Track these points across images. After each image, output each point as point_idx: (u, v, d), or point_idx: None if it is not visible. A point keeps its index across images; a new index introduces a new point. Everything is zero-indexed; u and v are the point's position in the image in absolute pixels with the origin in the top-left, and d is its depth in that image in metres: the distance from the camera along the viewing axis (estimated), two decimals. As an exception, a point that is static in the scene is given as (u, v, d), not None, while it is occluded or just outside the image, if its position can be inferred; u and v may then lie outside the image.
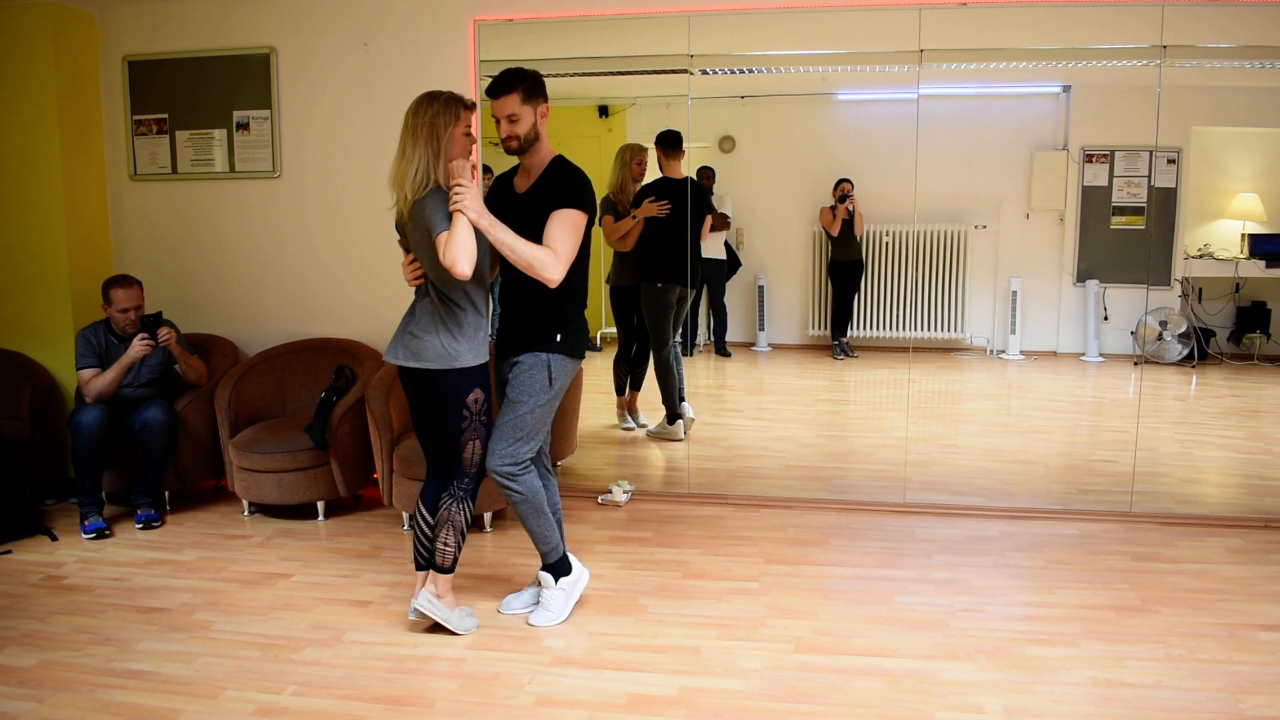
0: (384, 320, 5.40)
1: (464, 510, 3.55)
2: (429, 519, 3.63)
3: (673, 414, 5.92)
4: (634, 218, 5.54)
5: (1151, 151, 6.56)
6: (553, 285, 3.33)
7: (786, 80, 6.39)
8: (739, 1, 4.97)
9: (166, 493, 5.15)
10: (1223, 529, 4.68)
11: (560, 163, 3.51)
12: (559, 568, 3.73)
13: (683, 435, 5.96)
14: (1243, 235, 6.84)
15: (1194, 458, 5.84)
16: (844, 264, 6.84)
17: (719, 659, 3.41)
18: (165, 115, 5.60)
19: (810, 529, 4.73)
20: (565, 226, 3.35)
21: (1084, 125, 6.69)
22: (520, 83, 3.40)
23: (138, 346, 4.81)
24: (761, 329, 6.85)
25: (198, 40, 5.48)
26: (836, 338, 6.89)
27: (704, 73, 5.44)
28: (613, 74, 5.88)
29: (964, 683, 3.22)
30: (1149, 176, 6.64)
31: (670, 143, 5.64)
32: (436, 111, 3.34)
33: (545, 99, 3.47)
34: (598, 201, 3.57)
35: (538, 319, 3.51)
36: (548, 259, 3.29)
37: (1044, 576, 4.12)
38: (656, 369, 5.85)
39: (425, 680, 3.29)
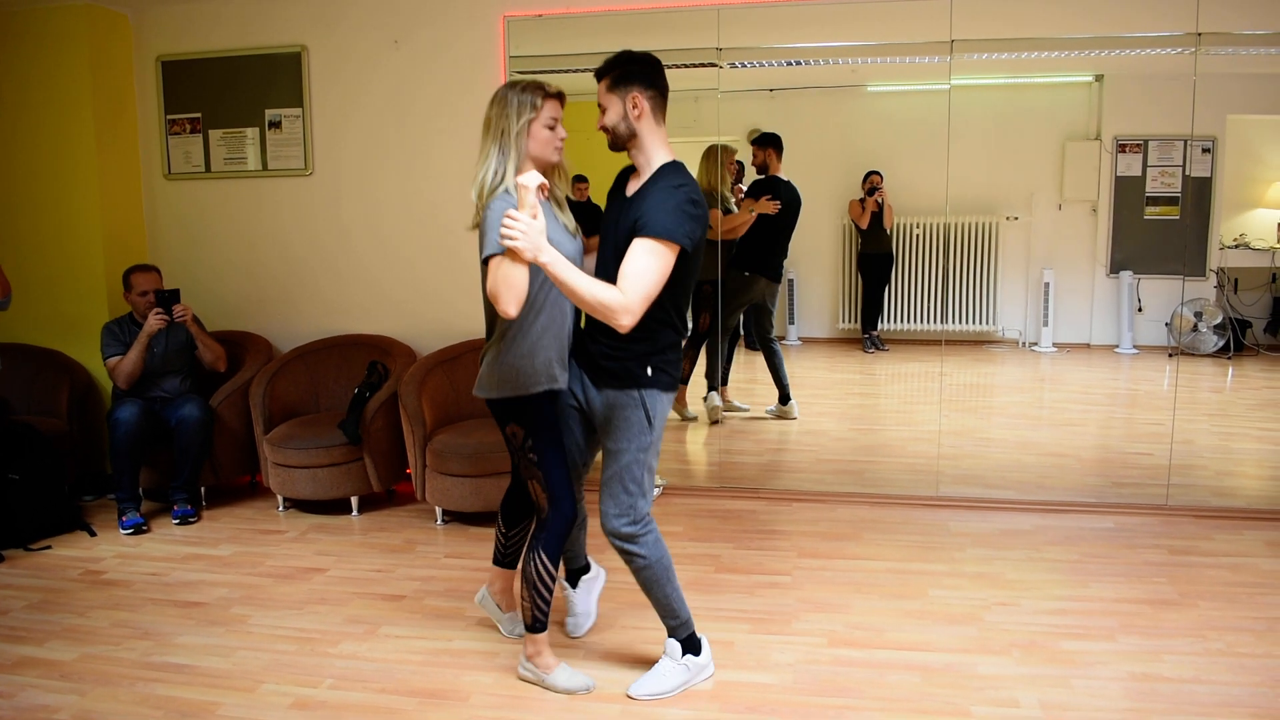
0: (416, 316, 5.46)
1: (534, 562, 3.10)
2: (501, 526, 3.50)
3: (786, 393, 6.09)
4: (751, 212, 5.79)
5: (1186, 141, 6.48)
6: (623, 330, 2.75)
7: (815, 73, 6.35)
8: (768, -6, 4.97)
9: (202, 489, 5.20)
10: (1260, 522, 4.62)
11: (665, 172, 2.91)
12: (691, 644, 3.21)
13: (797, 414, 6.13)
14: (1279, 225, 6.75)
15: (1230, 450, 5.77)
16: (874, 256, 6.81)
17: (752, 653, 3.41)
18: (198, 114, 5.65)
19: (843, 523, 4.72)
20: (646, 260, 2.76)
21: (1117, 115, 6.62)
22: (609, 69, 2.93)
23: (153, 320, 4.86)
24: (792, 323, 6.83)
25: (230, 40, 5.53)
26: (867, 331, 6.86)
27: (733, 66, 5.42)
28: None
29: (999, 677, 3.20)
30: (1183, 166, 6.57)
31: (779, 143, 5.86)
32: (509, 102, 2.90)
33: (642, 87, 2.89)
34: (705, 217, 2.95)
35: (626, 350, 2.98)
36: (616, 304, 2.69)
37: (1079, 570, 4.09)
38: (709, 348, 6.01)
39: (460, 674, 3.31)
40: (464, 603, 3.87)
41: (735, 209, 5.89)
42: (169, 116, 5.67)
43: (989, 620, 3.62)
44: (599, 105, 2.98)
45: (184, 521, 4.91)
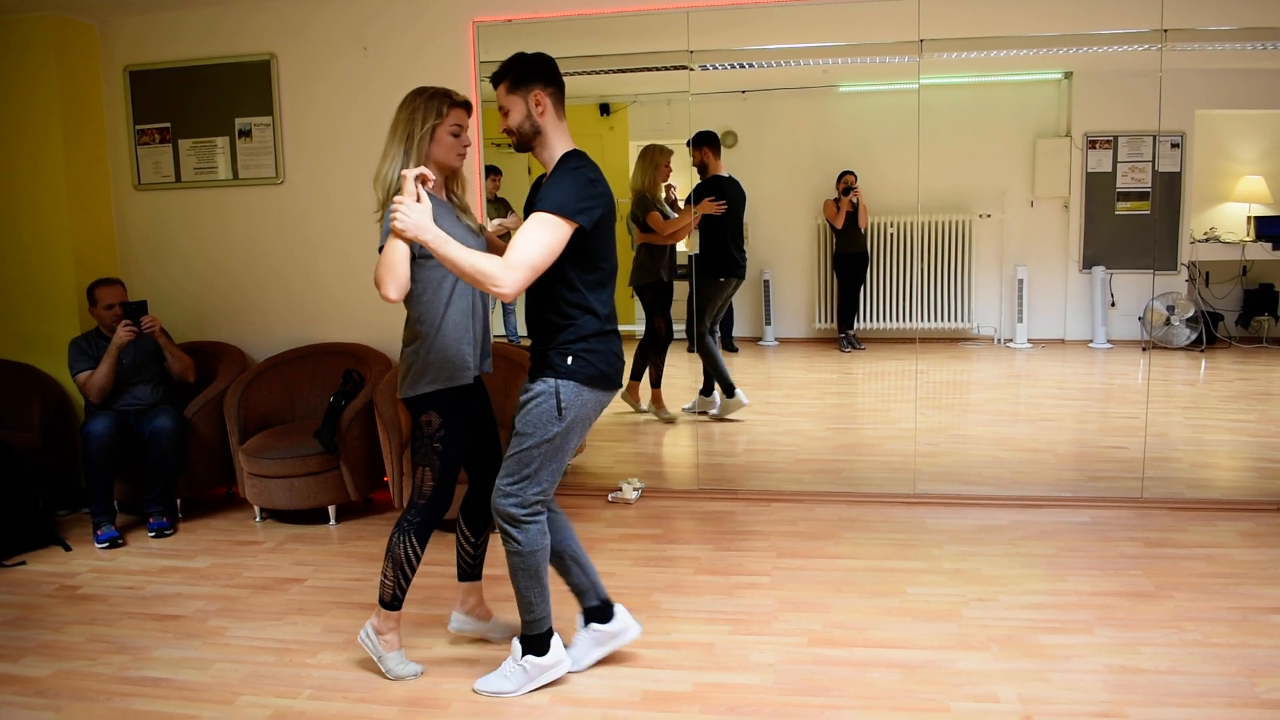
0: (391, 324, 5.41)
1: (404, 544, 3.24)
2: (466, 533, 3.49)
3: (729, 385, 6.07)
4: (694, 214, 5.72)
5: (1155, 136, 6.53)
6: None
7: (787, 74, 6.37)
8: (737, -4, 4.98)
9: (178, 500, 5.16)
10: (1235, 513, 4.66)
11: (566, 159, 3.00)
12: (536, 643, 3.19)
13: (746, 400, 6.13)
14: (1249, 218, 6.81)
15: (1204, 442, 5.82)
16: (849, 256, 6.83)
17: (732, 654, 3.41)
18: (167, 124, 5.61)
19: (821, 522, 4.73)
20: (530, 230, 2.83)
21: (1086, 111, 6.67)
22: (506, 72, 3.00)
23: (122, 332, 4.83)
24: (768, 323, 6.85)
25: (197, 48, 5.50)
26: (843, 330, 6.88)
27: (704, 68, 5.43)
28: (613, 72, 5.88)
29: (978, 672, 3.21)
30: (1153, 161, 6.62)
31: (716, 142, 5.82)
32: (417, 107, 3.07)
33: (542, 85, 2.97)
34: (616, 202, 3.07)
35: (545, 340, 3.04)
36: (493, 269, 2.76)
37: (1056, 564, 4.12)
38: (702, 352, 6.00)
39: (440, 681, 3.29)
40: (443, 610, 3.85)
41: (673, 213, 5.88)
42: (138, 127, 5.63)
43: (967, 616, 3.63)
44: (500, 109, 3.04)
45: (160, 534, 4.87)
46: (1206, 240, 6.81)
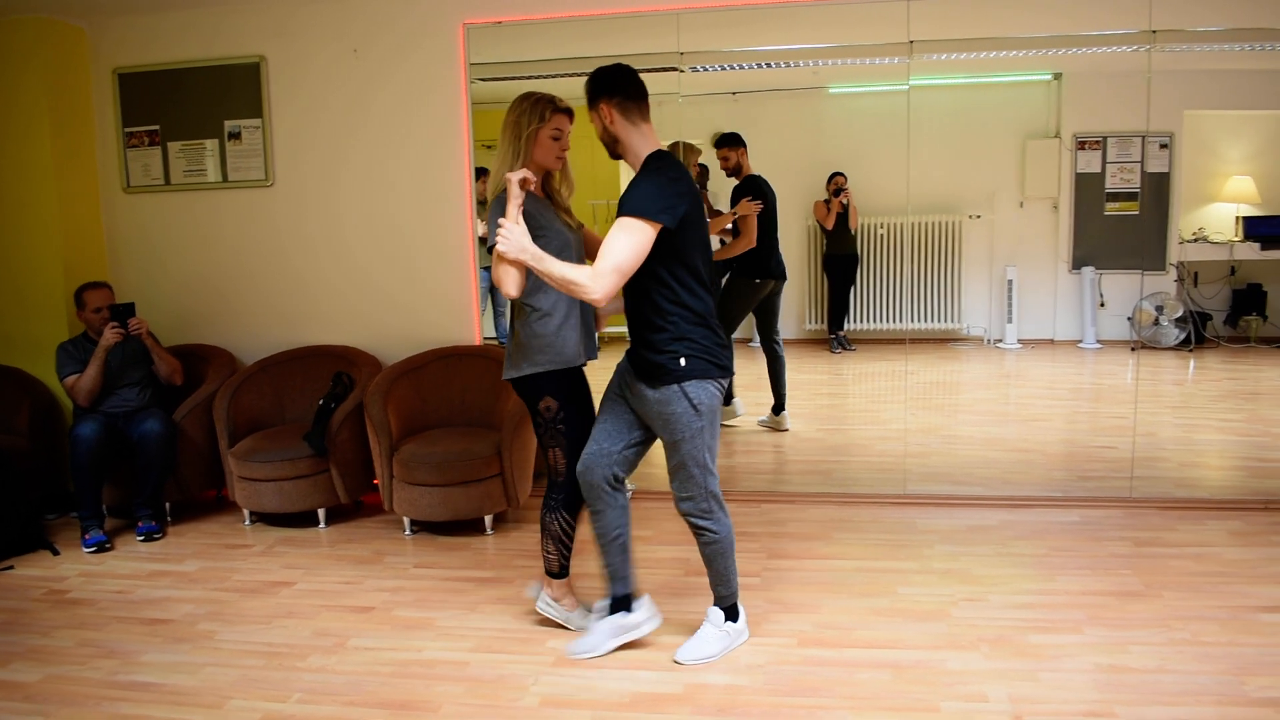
0: (380, 326, 5.44)
1: (557, 520, 3.52)
2: (567, 519, 3.59)
3: (782, 402, 6.04)
4: (734, 214, 5.71)
5: (1144, 137, 6.56)
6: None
7: (777, 75, 6.38)
8: (727, -2, 4.98)
9: (167, 504, 5.14)
10: (1223, 512, 4.68)
11: (648, 161, 3.16)
12: (733, 612, 3.47)
13: (741, 411, 6.14)
14: (1237, 218, 6.84)
15: (1193, 442, 5.84)
16: (839, 257, 6.84)
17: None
18: (156, 127, 5.59)
19: (811, 523, 4.74)
20: (614, 236, 2.98)
21: (1076, 112, 6.70)
22: (589, 90, 3.19)
23: (109, 334, 4.82)
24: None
25: (187, 51, 5.48)
26: (834, 331, 6.90)
27: (694, 70, 5.43)
28: (603, 73, 5.88)
29: (968, 672, 3.22)
30: (1142, 162, 6.65)
31: (744, 143, 5.81)
32: (522, 111, 3.30)
33: (606, 97, 3.15)
34: (690, 194, 3.15)
35: (653, 344, 3.17)
36: (581, 277, 2.96)
37: (1046, 564, 4.12)
38: (770, 357, 6.01)
39: (430, 684, 3.29)
40: (434, 613, 3.86)
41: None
42: (127, 129, 5.61)
43: (957, 616, 3.64)
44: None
45: (149, 538, 4.86)
46: (1195, 240, 6.84)
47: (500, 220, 3.05)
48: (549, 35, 5.20)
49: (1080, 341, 6.85)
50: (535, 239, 3.09)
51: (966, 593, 3.85)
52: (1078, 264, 6.80)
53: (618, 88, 3.16)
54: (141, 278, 5.66)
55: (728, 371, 3.25)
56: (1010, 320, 6.86)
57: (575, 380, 3.47)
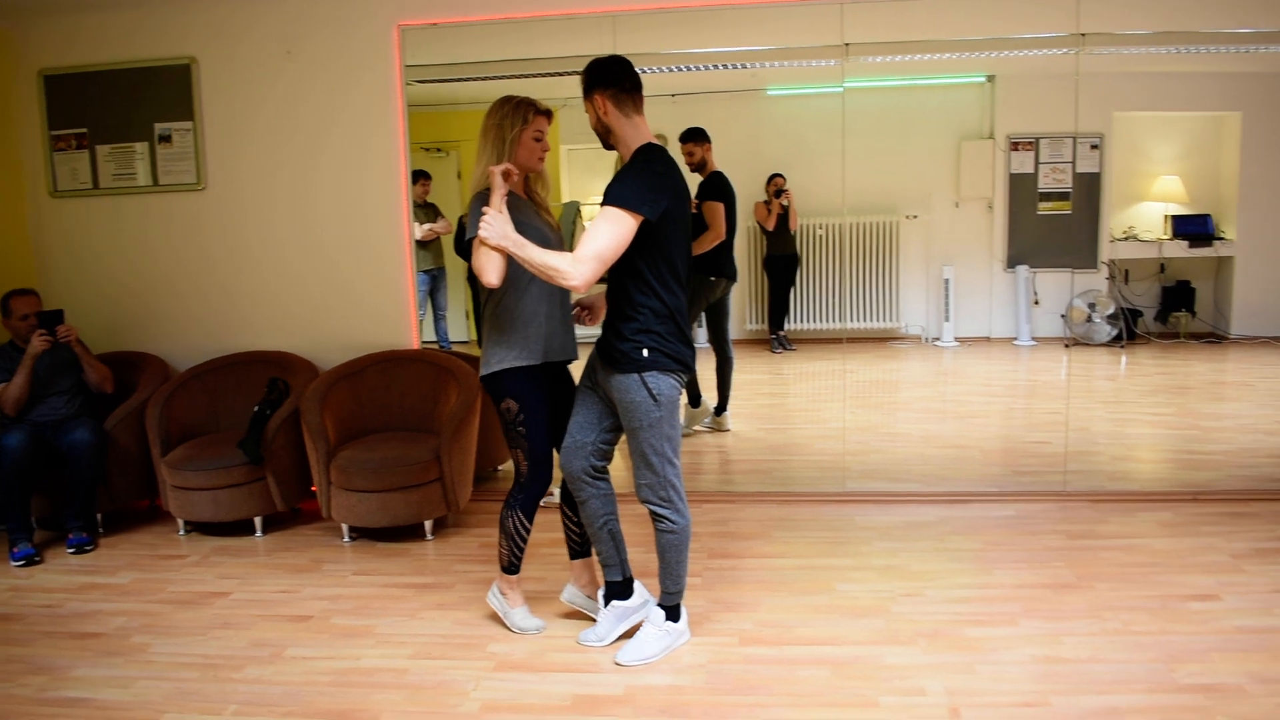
0: (316, 331, 5.37)
1: (512, 518, 3.57)
2: (568, 511, 3.68)
3: (725, 403, 6.06)
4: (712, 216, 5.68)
5: (1074, 138, 6.69)
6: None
7: (716, 77, 6.41)
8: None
9: (99, 515, 5.02)
10: (1153, 503, 4.78)
11: (637, 154, 3.21)
12: (675, 612, 3.47)
13: (730, 426, 6.13)
14: (1166, 217, 7.01)
15: (1124, 435, 5.97)
16: (780, 258, 6.89)
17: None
18: (84, 130, 5.47)
19: (752, 522, 4.76)
20: (595, 224, 3.07)
21: (1009, 114, 6.81)
22: (585, 81, 3.24)
23: (36, 342, 4.72)
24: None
25: (115, 52, 5.37)
26: (774, 331, 6.94)
27: (632, 72, 5.43)
28: (542, 75, 5.85)
29: (906, 666, 3.26)
30: (1073, 162, 6.78)
31: (708, 137, 5.77)
32: (505, 114, 3.35)
33: (600, 89, 3.19)
34: (675, 189, 3.22)
35: (620, 333, 3.23)
36: (562, 264, 3.03)
37: (982, 558, 4.18)
38: (720, 359, 6.05)
39: (369, 693, 3.25)
40: (373, 620, 3.81)
41: None
42: (54, 132, 5.48)
43: (896, 611, 3.68)
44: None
45: (80, 550, 4.74)
46: (1125, 239, 6.99)
47: (484, 208, 3.12)
48: (487, 37, 5.18)
49: (1016, 339, 6.97)
50: None
51: (905, 588, 3.89)
52: (1012, 263, 6.92)
53: (613, 79, 3.21)
54: (70, 284, 5.53)
55: (689, 368, 3.31)
56: (947, 319, 6.96)
57: (543, 381, 3.48)
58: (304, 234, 5.36)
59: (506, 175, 3.17)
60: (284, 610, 3.97)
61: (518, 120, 3.35)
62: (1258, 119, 6.71)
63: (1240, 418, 6.15)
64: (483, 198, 3.21)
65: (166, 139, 5.40)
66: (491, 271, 3.16)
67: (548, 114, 3.44)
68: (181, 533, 4.98)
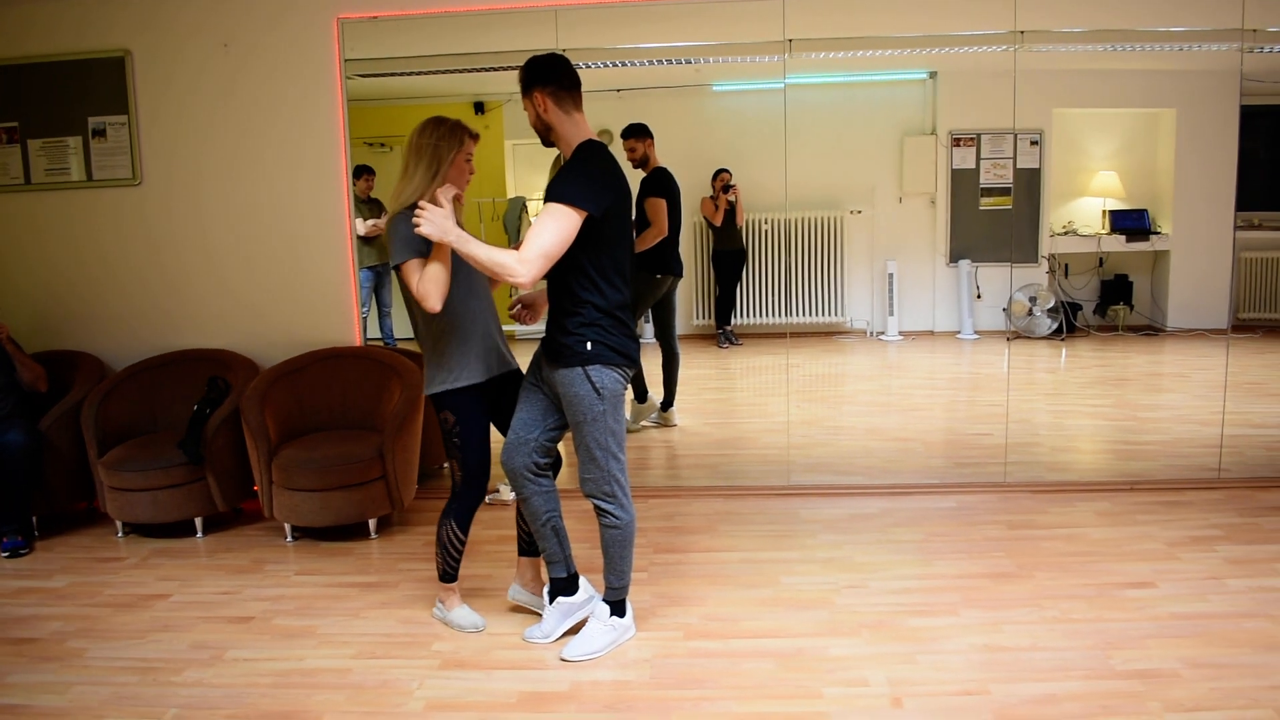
0: (256, 328, 5.30)
1: (446, 529, 3.58)
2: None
3: (672, 399, 6.08)
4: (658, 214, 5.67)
5: (1014, 134, 6.77)
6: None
7: (660, 72, 6.40)
8: (606, -6, 4.99)
9: (34, 518, 4.91)
10: (1091, 493, 4.87)
11: (579, 150, 3.24)
12: (620, 607, 3.49)
13: (677, 420, 6.15)
14: (1104, 212, 7.12)
15: (1064, 427, 6.07)
16: (727, 253, 6.91)
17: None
18: (15, 124, 5.34)
19: (697, 516, 4.78)
20: (540, 221, 3.07)
21: (951, 110, 6.88)
22: (523, 78, 3.25)
23: None
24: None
25: (46, 44, 5.25)
26: (721, 326, 6.96)
27: (577, 67, 5.42)
28: (485, 70, 5.82)
29: (849, 658, 3.29)
30: (1014, 158, 6.86)
31: (651, 133, 5.76)
32: (442, 136, 3.37)
33: (540, 86, 3.20)
34: (618, 187, 3.25)
35: (563, 328, 3.25)
36: (508, 260, 3.04)
37: (924, 549, 4.24)
38: (667, 354, 6.08)
39: (311, 694, 3.22)
40: (316, 620, 3.78)
41: None
42: (-17, 126, 5.36)
43: (839, 603, 3.71)
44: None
45: (14, 554, 4.64)
46: (1065, 234, 7.10)
47: (420, 204, 3.09)
48: (428, 30, 5.13)
49: (959, 333, 7.05)
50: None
51: (848, 580, 3.93)
52: (955, 257, 6.99)
53: (551, 77, 3.22)
54: (1, 281, 5.40)
55: (634, 363, 3.33)
56: (891, 313, 7.02)
57: (479, 398, 3.51)
58: (243, 229, 5.28)
59: (457, 200, 3.24)
60: (225, 612, 3.91)
61: (454, 143, 3.38)
62: (1191, 115, 6.84)
63: (1176, 408, 6.28)
64: (405, 216, 3.23)
65: (100, 133, 5.29)
66: (435, 297, 3.19)
67: (477, 136, 3.50)
68: (120, 535, 4.89)
